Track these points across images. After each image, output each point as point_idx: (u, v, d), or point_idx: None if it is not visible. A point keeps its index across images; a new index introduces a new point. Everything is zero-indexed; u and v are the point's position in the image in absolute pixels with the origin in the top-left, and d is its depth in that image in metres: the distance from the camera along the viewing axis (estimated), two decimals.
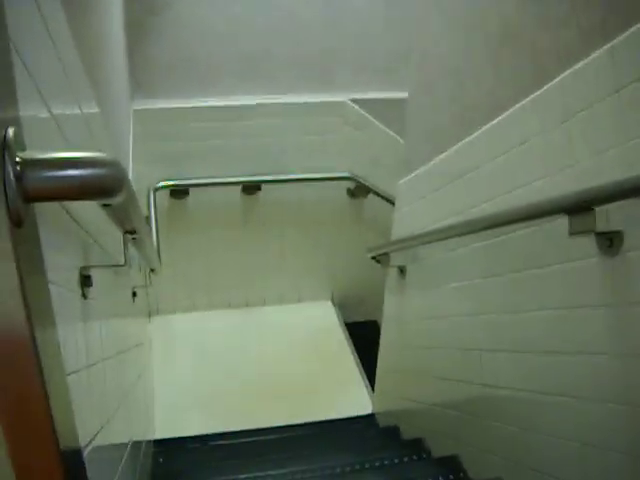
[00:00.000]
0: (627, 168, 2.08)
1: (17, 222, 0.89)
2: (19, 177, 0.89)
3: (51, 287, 1.17)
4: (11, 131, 0.89)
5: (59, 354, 1.18)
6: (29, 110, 1.16)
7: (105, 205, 1.57)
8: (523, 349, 2.89)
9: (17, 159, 0.89)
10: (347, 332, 6.53)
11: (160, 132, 5.67)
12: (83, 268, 1.73)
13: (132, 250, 2.85)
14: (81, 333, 1.60)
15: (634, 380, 2.18)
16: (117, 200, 1.12)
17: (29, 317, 0.91)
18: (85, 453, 1.41)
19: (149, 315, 6.36)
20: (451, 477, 3.50)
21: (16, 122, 0.97)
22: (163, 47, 5.54)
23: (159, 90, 5.62)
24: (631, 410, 2.20)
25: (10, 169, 0.87)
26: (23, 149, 0.94)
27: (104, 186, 1.03)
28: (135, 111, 5.53)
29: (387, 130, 6.09)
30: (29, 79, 1.21)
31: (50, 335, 1.11)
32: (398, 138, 5.78)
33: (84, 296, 1.71)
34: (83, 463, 1.33)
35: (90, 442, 1.54)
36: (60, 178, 0.96)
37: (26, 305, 0.91)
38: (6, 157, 0.86)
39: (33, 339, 0.94)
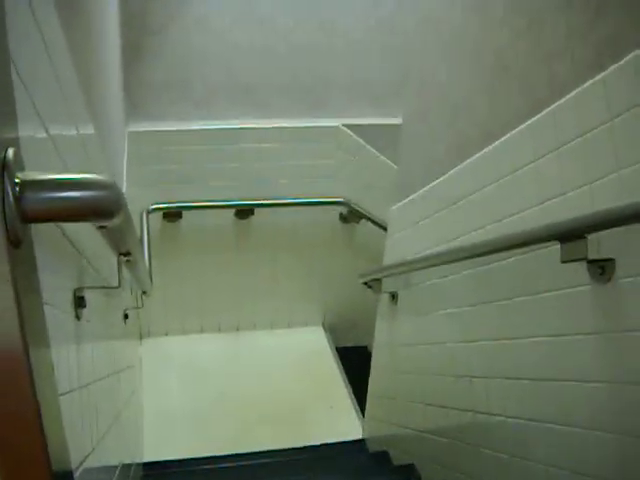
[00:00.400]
0: (619, 196, 2.10)
1: (15, 242, 0.90)
2: (18, 198, 0.90)
3: (46, 308, 1.18)
4: (11, 152, 0.89)
5: (52, 375, 1.19)
6: (27, 130, 1.16)
7: (101, 227, 1.57)
8: (515, 376, 2.89)
9: (16, 180, 0.90)
10: (338, 357, 6.52)
11: (154, 154, 5.69)
12: (77, 289, 1.73)
13: (125, 272, 2.85)
14: (74, 354, 1.60)
15: (626, 408, 2.18)
16: (114, 222, 1.13)
17: (24, 337, 0.92)
18: (76, 475, 1.40)
19: (140, 337, 6.35)
20: None
21: (15, 143, 0.97)
22: (158, 69, 5.57)
23: (154, 112, 5.63)
24: (623, 439, 2.20)
25: (9, 189, 0.88)
26: (22, 169, 0.94)
27: (102, 208, 1.04)
28: (130, 133, 5.54)
29: (380, 156, 6.12)
30: (28, 99, 1.22)
31: (44, 355, 1.11)
32: (391, 164, 5.81)
33: (77, 317, 1.71)
34: None
35: (81, 464, 1.54)
36: (59, 199, 0.97)
37: (21, 325, 0.91)
38: (5, 178, 0.87)
39: (27, 359, 0.94)
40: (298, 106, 5.93)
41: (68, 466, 1.28)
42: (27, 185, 0.92)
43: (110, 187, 1.04)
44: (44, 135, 1.40)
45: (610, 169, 2.19)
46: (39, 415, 0.99)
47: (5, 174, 0.87)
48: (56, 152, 1.54)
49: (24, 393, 0.96)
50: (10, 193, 0.88)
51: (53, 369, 1.20)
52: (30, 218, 0.94)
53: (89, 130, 2.35)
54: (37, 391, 0.98)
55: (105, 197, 1.03)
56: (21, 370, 0.94)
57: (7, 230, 0.87)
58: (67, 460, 1.27)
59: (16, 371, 0.94)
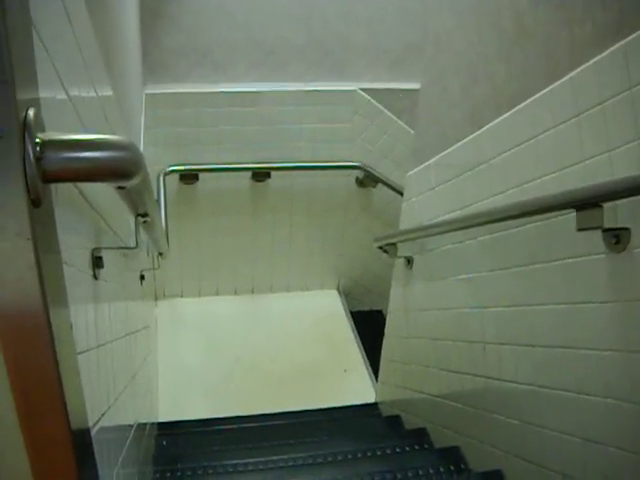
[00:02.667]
0: (637, 165, 2.09)
1: (36, 202, 0.91)
2: (39, 157, 0.91)
3: (64, 267, 1.19)
4: (32, 112, 0.90)
5: (71, 333, 1.20)
6: (47, 92, 1.17)
7: (120, 188, 1.58)
8: (528, 343, 2.90)
9: (37, 140, 0.91)
10: (352, 321, 6.55)
11: (171, 117, 5.68)
12: (95, 249, 1.74)
13: (142, 233, 2.86)
14: (91, 313, 1.62)
15: (639, 377, 2.19)
16: (133, 183, 1.14)
17: (44, 295, 0.94)
18: (93, 432, 1.42)
19: (156, 299, 6.39)
20: (452, 468, 3.53)
21: (36, 103, 0.98)
22: (177, 32, 5.54)
23: (172, 75, 5.62)
24: (635, 408, 2.21)
25: (30, 149, 0.88)
26: (42, 130, 0.95)
27: (121, 168, 1.05)
28: (147, 95, 5.53)
29: (398, 120, 6.10)
30: (48, 61, 1.22)
31: (63, 314, 1.13)
32: (408, 129, 5.79)
33: (95, 277, 1.73)
34: (91, 442, 1.35)
35: (98, 422, 1.56)
36: (79, 160, 0.98)
37: (41, 283, 0.93)
38: (26, 138, 0.88)
39: (47, 317, 0.95)
40: (316, 70, 5.89)
41: (86, 423, 1.30)
42: (47, 145, 0.93)
43: (130, 148, 1.05)
44: (64, 97, 1.40)
45: (630, 138, 2.18)
46: (58, 373, 1.01)
47: (26, 134, 0.88)
48: (75, 113, 1.55)
49: (44, 351, 0.98)
50: (31, 153, 0.89)
51: (72, 328, 1.21)
52: (50, 178, 0.95)
53: (107, 92, 2.36)
54: (56, 349, 0.99)
55: (124, 158, 1.04)
56: (41, 328, 0.96)
57: (28, 190, 0.89)
58: (85, 418, 1.29)
59: (36, 329, 0.95)
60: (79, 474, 1.08)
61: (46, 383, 1.00)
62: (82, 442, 1.19)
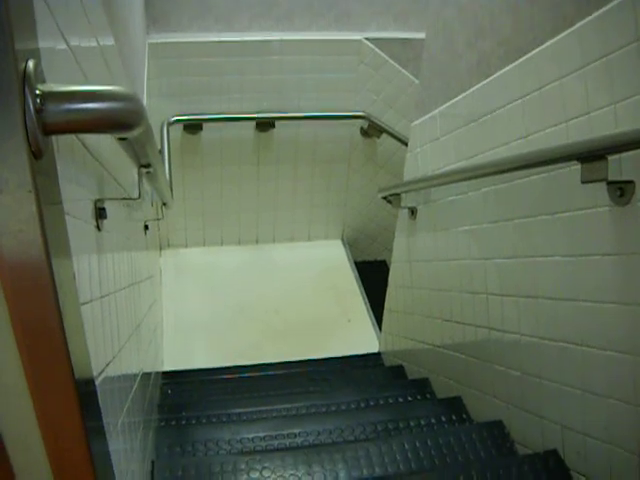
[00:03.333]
0: None
1: (37, 154, 0.91)
2: (39, 109, 0.91)
3: (67, 218, 1.19)
4: (31, 63, 0.90)
5: (74, 284, 1.21)
6: (47, 42, 1.16)
7: (121, 139, 1.58)
8: (530, 294, 2.91)
9: (37, 91, 0.91)
10: (356, 271, 6.58)
11: (175, 66, 5.65)
12: (98, 200, 1.74)
13: (145, 184, 2.86)
14: (95, 264, 1.62)
15: (639, 330, 2.20)
16: (134, 134, 1.14)
17: (46, 246, 0.94)
18: (97, 382, 1.44)
19: (160, 249, 6.41)
20: (454, 418, 3.56)
21: (36, 54, 0.98)
22: None
23: (175, 24, 5.57)
24: (634, 359, 2.22)
25: (30, 101, 0.88)
26: (42, 81, 0.95)
27: (122, 119, 1.05)
28: (150, 44, 5.50)
29: (403, 70, 6.06)
30: (47, 10, 1.21)
31: (66, 264, 1.13)
32: (413, 79, 5.76)
33: (98, 228, 1.73)
34: (95, 392, 1.37)
35: (102, 372, 1.57)
36: (79, 111, 0.97)
37: (43, 234, 0.93)
38: (26, 89, 0.88)
39: (50, 268, 0.96)
40: (321, 20, 5.84)
41: (89, 373, 1.31)
42: (48, 97, 0.93)
43: (130, 98, 1.05)
44: (64, 47, 1.39)
45: (635, 90, 2.16)
46: (61, 323, 1.01)
47: (26, 86, 0.87)
48: (77, 64, 1.53)
49: (47, 301, 0.99)
50: (31, 105, 0.89)
51: (74, 278, 1.22)
52: (51, 130, 0.94)
53: (109, 42, 2.34)
54: (59, 300, 1.00)
55: (125, 108, 1.03)
56: (43, 279, 0.96)
57: (29, 142, 0.89)
58: (88, 367, 1.30)
59: (38, 280, 0.96)
60: (83, 422, 1.10)
61: (49, 333, 1.01)
62: (86, 391, 1.20)
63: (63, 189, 1.14)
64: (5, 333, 0.95)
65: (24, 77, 0.87)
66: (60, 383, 1.05)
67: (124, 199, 2.43)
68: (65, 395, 1.07)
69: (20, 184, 0.88)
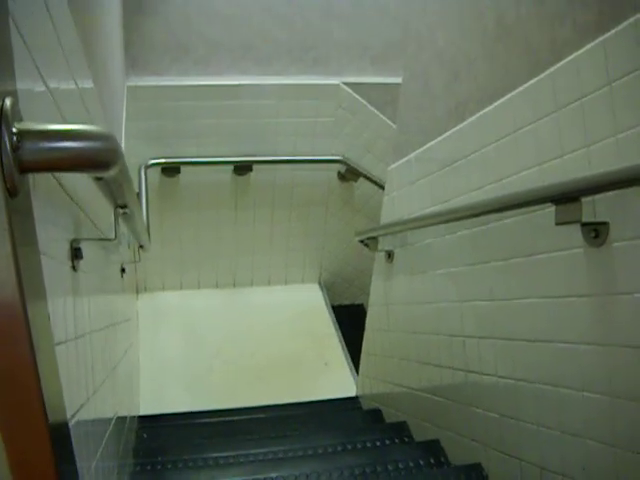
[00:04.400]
0: (615, 160, 2.11)
1: (12, 192, 0.91)
2: (15, 147, 0.91)
3: (42, 258, 1.19)
4: (8, 102, 0.90)
5: (49, 324, 1.20)
6: (26, 83, 1.17)
7: (98, 178, 1.58)
8: (507, 337, 2.92)
9: (14, 129, 0.91)
10: (333, 314, 6.57)
11: (153, 109, 5.67)
12: (74, 240, 1.74)
13: (122, 226, 2.86)
14: (70, 304, 1.61)
15: (616, 370, 2.21)
16: (111, 173, 1.14)
17: (21, 285, 0.93)
18: (71, 424, 1.42)
19: (137, 292, 6.38)
20: (432, 461, 3.54)
21: (13, 93, 0.98)
22: (159, 25, 5.52)
23: (154, 67, 5.61)
24: (612, 401, 2.23)
25: (7, 139, 0.88)
26: (20, 120, 0.95)
27: (99, 159, 1.05)
28: (129, 87, 5.52)
29: (380, 115, 6.11)
30: (26, 52, 1.22)
31: (40, 304, 1.13)
32: (391, 123, 5.80)
33: (74, 268, 1.73)
34: (69, 434, 1.35)
35: (75, 414, 1.56)
36: (56, 149, 0.98)
37: (18, 274, 0.92)
38: (3, 127, 0.88)
39: (24, 307, 0.95)
40: (298, 64, 5.89)
41: (63, 416, 1.30)
42: (24, 135, 0.93)
43: (107, 138, 1.05)
44: (43, 88, 1.40)
45: (607, 133, 2.19)
46: (35, 365, 1.00)
47: (2, 124, 0.88)
48: (55, 105, 1.54)
49: (21, 341, 0.97)
50: (7, 143, 0.89)
51: (49, 318, 1.21)
52: (27, 168, 0.95)
53: (88, 84, 2.35)
54: (33, 339, 0.99)
55: (102, 148, 1.04)
56: (18, 318, 0.96)
57: (4, 179, 0.89)
58: (62, 409, 1.29)
59: (13, 318, 0.95)
60: (57, 466, 1.08)
61: (23, 374, 1.00)
62: (60, 435, 1.19)
63: (39, 228, 1.14)
64: None
65: (0, 115, 0.87)
66: (33, 426, 1.04)
67: (100, 239, 2.43)
68: (38, 438, 1.05)
69: None
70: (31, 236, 1.09)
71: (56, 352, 1.28)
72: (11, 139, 0.90)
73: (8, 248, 0.90)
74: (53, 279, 1.35)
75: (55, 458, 1.08)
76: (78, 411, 1.60)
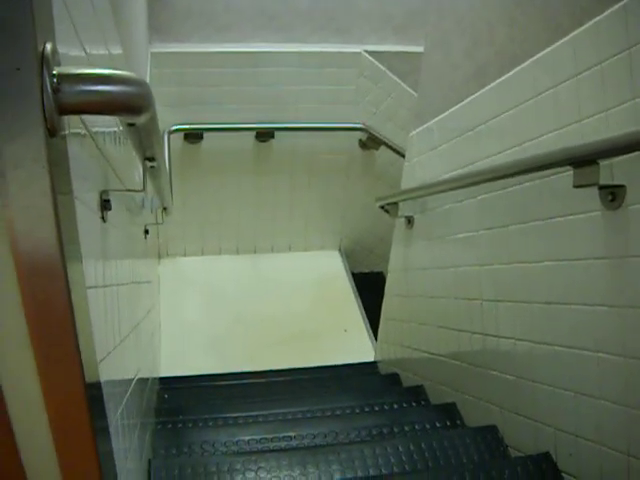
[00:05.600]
0: (632, 124, 2.13)
1: (52, 132, 0.95)
2: (56, 89, 0.95)
3: (75, 202, 1.23)
4: (49, 46, 0.94)
5: (81, 265, 1.25)
6: (67, 47, 1.22)
7: (130, 125, 1.63)
8: (524, 300, 2.95)
9: (54, 72, 0.95)
10: (353, 281, 6.60)
11: (176, 76, 5.70)
12: (103, 192, 1.79)
13: (148, 183, 2.89)
14: (99, 253, 1.66)
15: (631, 332, 2.24)
16: (142, 119, 1.18)
17: (58, 223, 0.97)
18: (100, 367, 1.47)
19: (159, 257, 6.44)
20: (448, 423, 3.59)
21: (53, 38, 1.02)
22: None
23: (176, 34, 5.63)
24: (626, 361, 2.27)
25: (47, 81, 0.93)
26: (59, 64, 0.99)
27: (133, 103, 1.09)
28: (152, 54, 5.55)
29: (401, 83, 6.11)
30: (67, 15, 1.26)
31: (75, 245, 1.17)
32: (412, 92, 5.81)
33: (103, 219, 1.78)
34: (99, 376, 1.39)
35: (104, 359, 1.60)
36: (93, 92, 1.02)
37: (55, 212, 0.96)
38: (44, 70, 0.92)
39: (61, 245, 0.99)
40: (321, 32, 5.89)
41: (94, 356, 1.34)
42: (64, 78, 0.97)
43: (141, 84, 1.10)
44: (82, 53, 1.45)
45: (626, 97, 2.21)
46: (70, 300, 1.05)
47: (44, 67, 0.92)
48: (87, 60, 1.59)
49: (57, 277, 1.01)
50: (48, 85, 0.93)
51: (82, 261, 1.26)
52: (66, 109, 0.98)
53: (118, 50, 2.40)
54: (68, 277, 1.03)
55: (136, 92, 1.08)
56: (54, 256, 0.99)
57: (45, 119, 0.93)
58: (93, 350, 1.33)
59: (50, 256, 0.99)
60: (87, 396, 1.13)
61: (59, 308, 1.04)
62: (90, 372, 1.23)
63: (72, 174, 1.18)
64: (14, 304, 0.99)
65: (42, 58, 0.91)
66: (67, 359, 1.08)
67: (128, 190, 2.47)
68: (71, 372, 1.09)
69: (35, 159, 0.92)
70: (67, 178, 1.13)
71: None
72: (52, 81, 0.94)
73: (47, 185, 0.94)
74: (84, 225, 1.39)
75: (86, 392, 1.12)
76: (105, 358, 1.65)
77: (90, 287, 1.43)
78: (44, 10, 0.99)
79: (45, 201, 0.95)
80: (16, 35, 0.88)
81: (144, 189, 2.54)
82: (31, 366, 1.03)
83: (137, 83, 1.09)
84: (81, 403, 1.13)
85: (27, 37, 0.89)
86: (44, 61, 0.92)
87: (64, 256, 1.01)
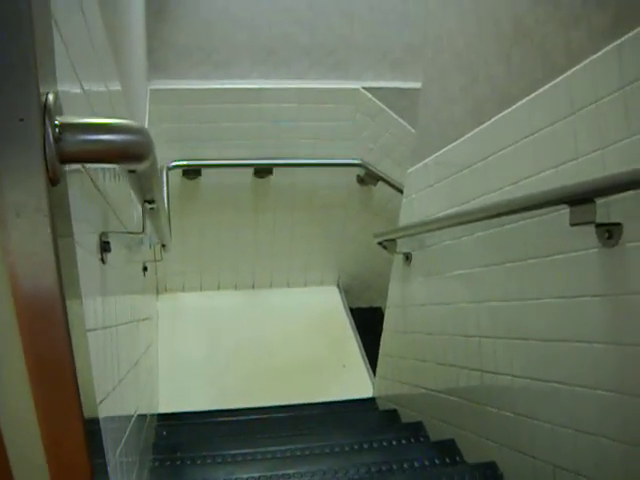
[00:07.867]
0: (629, 162, 2.15)
1: (53, 181, 0.97)
2: (57, 139, 0.97)
3: (75, 246, 1.24)
4: (51, 96, 0.96)
5: (82, 309, 1.25)
6: (65, 85, 1.23)
7: (131, 171, 1.64)
8: (522, 336, 2.96)
9: (56, 122, 0.97)
10: (351, 317, 6.60)
11: (175, 112, 5.74)
12: (103, 234, 1.80)
13: (147, 223, 2.91)
14: (99, 295, 1.67)
15: (629, 369, 2.24)
16: (143, 166, 1.20)
17: (59, 270, 0.98)
18: (99, 409, 1.47)
19: (157, 293, 6.44)
20: (447, 460, 3.58)
21: (55, 89, 1.04)
22: (181, 28, 5.59)
23: (175, 71, 5.67)
24: (624, 399, 2.27)
25: (50, 131, 0.94)
26: (61, 114, 1.01)
27: (134, 151, 1.11)
28: (151, 90, 5.59)
29: (399, 119, 6.15)
30: (67, 57, 1.28)
31: (75, 290, 1.18)
32: (410, 128, 5.84)
33: (102, 261, 1.79)
34: (98, 418, 1.40)
35: (103, 400, 1.60)
36: (95, 142, 1.03)
37: (57, 259, 0.97)
38: (46, 120, 0.93)
39: (61, 291, 1.00)
40: (319, 68, 5.94)
41: (94, 399, 1.35)
42: (66, 127, 0.98)
43: (141, 132, 1.11)
44: (79, 91, 1.46)
45: (622, 135, 2.23)
46: (70, 345, 1.05)
47: (46, 116, 0.93)
48: (89, 106, 1.60)
49: (57, 323, 1.02)
50: (50, 134, 0.94)
51: (82, 304, 1.26)
52: (67, 158, 1.00)
53: (116, 87, 2.42)
54: (69, 322, 1.04)
55: (137, 141, 1.10)
56: (55, 301, 1.00)
57: (47, 168, 0.94)
58: (92, 393, 1.34)
59: (51, 302, 1.00)
60: (87, 442, 1.13)
61: (59, 354, 1.04)
62: (90, 415, 1.23)
63: (72, 217, 1.19)
64: (15, 351, 0.99)
65: (45, 109, 0.93)
66: (66, 404, 1.08)
67: (128, 232, 2.48)
68: (71, 415, 1.10)
69: (37, 209, 0.93)
70: (68, 224, 1.14)
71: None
72: (54, 131, 0.95)
73: (48, 233, 0.95)
74: (84, 268, 1.40)
75: (86, 435, 1.12)
76: (104, 399, 1.65)
77: (90, 330, 1.43)
78: (47, 59, 1.01)
79: (46, 249, 0.96)
80: (20, 86, 0.89)
81: (143, 231, 2.56)
82: (31, 410, 1.03)
83: (138, 131, 1.10)
84: (80, 445, 1.13)
85: (31, 88, 0.90)
86: (46, 111, 0.93)
87: (64, 301, 1.01)
